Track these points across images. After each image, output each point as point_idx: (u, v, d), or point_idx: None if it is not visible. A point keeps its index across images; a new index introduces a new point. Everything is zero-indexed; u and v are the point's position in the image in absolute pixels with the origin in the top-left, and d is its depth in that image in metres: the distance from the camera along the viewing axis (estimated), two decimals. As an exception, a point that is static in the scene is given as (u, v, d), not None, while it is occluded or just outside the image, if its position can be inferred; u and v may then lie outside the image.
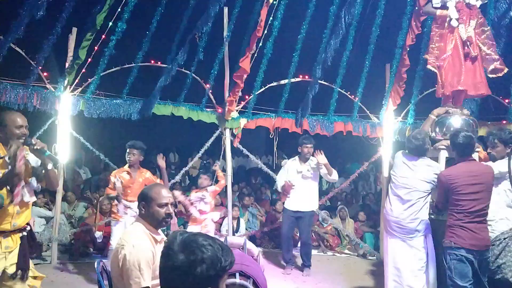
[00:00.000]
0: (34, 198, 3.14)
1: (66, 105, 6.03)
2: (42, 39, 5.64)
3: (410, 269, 4.26)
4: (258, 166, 7.55)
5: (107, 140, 10.21)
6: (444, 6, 4.91)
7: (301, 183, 5.96)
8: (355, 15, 6.49)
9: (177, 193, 5.61)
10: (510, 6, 5.76)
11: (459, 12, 4.79)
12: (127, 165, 5.25)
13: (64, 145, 6.02)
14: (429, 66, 5.00)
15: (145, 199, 2.59)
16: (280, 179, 6.12)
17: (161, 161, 5.40)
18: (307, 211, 5.96)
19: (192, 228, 5.52)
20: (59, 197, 6.24)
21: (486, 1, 5.04)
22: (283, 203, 6.22)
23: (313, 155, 5.96)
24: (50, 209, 6.98)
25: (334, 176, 5.95)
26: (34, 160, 3.12)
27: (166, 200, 2.59)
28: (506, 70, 4.81)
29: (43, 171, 3.13)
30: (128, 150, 5.20)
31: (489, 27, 4.93)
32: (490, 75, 4.84)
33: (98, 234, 6.76)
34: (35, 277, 3.17)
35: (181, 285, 1.47)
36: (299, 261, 6.28)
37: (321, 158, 5.78)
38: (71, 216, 7.32)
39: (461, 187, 3.67)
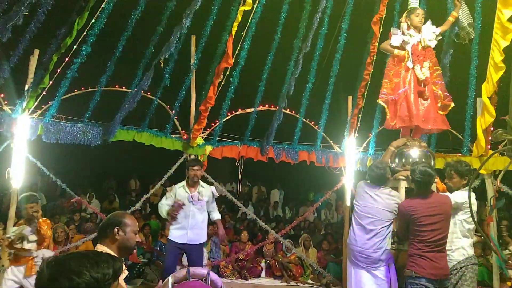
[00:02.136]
0: None
1: (23, 128, 5.79)
2: (0, 59, 5.44)
3: (374, 299, 4.28)
4: (223, 194, 7.47)
5: (64, 165, 9.83)
6: (401, 46, 5.17)
7: (191, 211, 5.20)
8: (317, 49, 6.77)
9: None
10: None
11: (413, 54, 5.05)
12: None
13: (19, 170, 5.73)
14: (379, 100, 5.21)
15: (120, 225, 2.54)
16: (165, 204, 5.24)
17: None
18: (197, 243, 5.24)
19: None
20: (10, 223, 5.88)
21: (440, 38, 5.34)
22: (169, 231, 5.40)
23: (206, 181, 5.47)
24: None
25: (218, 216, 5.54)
26: None
27: (137, 227, 2.64)
28: (452, 105, 5.08)
29: None
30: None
31: (439, 67, 5.23)
32: (440, 112, 5.10)
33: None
34: None
35: None
36: None
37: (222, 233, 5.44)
38: (22, 245, 6.88)
39: (421, 218, 3.77)
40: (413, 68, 5.04)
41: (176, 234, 5.19)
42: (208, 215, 5.40)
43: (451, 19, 5.37)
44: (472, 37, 5.71)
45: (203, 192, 5.28)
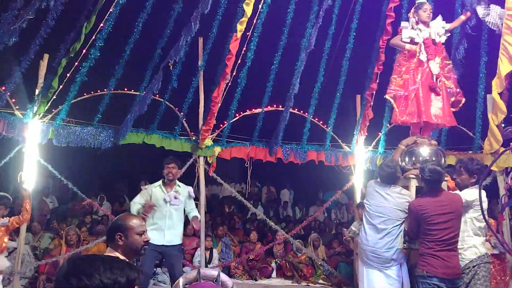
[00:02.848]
0: None
1: (34, 132, 5.86)
2: (11, 64, 5.53)
3: (386, 299, 4.26)
4: (232, 195, 7.49)
5: (76, 168, 9.94)
6: (412, 41, 5.12)
7: (168, 211, 4.99)
8: (326, 48, 6.76)
9: None
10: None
11: (426, 48, 5.00)
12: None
13: (31, 174, 5.81)
14: (386, 96, 5.16)
15: (121, 229, 2.53)
16: (137, 203, 4.93)
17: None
18: (174, 244, 5.01)
19: None
20: (23, 227, 5.97)
21: (449, 34, 5.29)
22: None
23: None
24: (13, 240, 6.65)
25: (196, 213, 5.24)
26: None
27: (144, 228, 2.59)
28: (463, 101, 5.03)
29: None
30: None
31: (450, 61, 5.17)
32: (452, 109, 5.05)
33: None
34: None
35: None
36: None
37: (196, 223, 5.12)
38: (35, 248, 6.99)
39: (431, 217, 3.74)
40: (427, 61, 4.98)
41: (152, 235, 4.66)
42: (187, 216, 5.25)
43: (462, 17, 5.32)
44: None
45: (180, 191, 5.09)
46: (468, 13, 5.33)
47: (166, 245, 4.93)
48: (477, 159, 4.32)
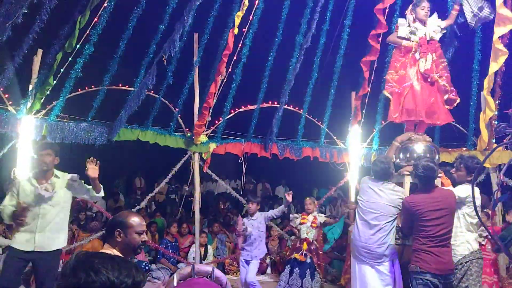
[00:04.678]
0: None
1: (27, 128, 5.82)
2: (4, 59, 5.48)
3: (378, 294, 4.29)
4: (227, 191, 7.49)
5: (70, 165, 9.87)
6: (408, 38, 5.13)
7: (41, 209, 3.98)
8: (320, 45, 6.76)
9: None
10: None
11: (420, 47, 5.01)
12: None
13: (24, 170, 5.77)
14: (384, 92, 5.18)
15: (121, 226, 2.54)
16: (8, 206, 3.99)
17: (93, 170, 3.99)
18: (49, 251, 4.01)
19: None
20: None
21: (445, 31, 5.30)
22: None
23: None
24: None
25: (101, 193, 4.30)
26: None
27: (143, 228, 2.61)
28: (458, 100, 5.05)
29: None
30: None
31: (445, 59, 5.19)
32: (446, 106, 5.07)
33: (60, 262, 6.43)
34: None
35: None
36: None
37: (93, 169, 3.98)
38: (29, 244, 6.95)
39: (425, 213, 3.77)
40: (419, 60, 4.99)
41: (20, 239, 3.93)
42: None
43: (454, 12, 5.33)
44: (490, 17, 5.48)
45: (58, 183, 4.08)
46: (457, 6, 5.32)
47: (37, 252, 3.93)
48: (478, 158, 4.35)
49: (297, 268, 5.56)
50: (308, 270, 5.53)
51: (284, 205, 5.76)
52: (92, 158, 3.99)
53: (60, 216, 4.09)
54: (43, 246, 3.95)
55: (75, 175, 4.23)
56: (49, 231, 3.99)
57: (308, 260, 5.57)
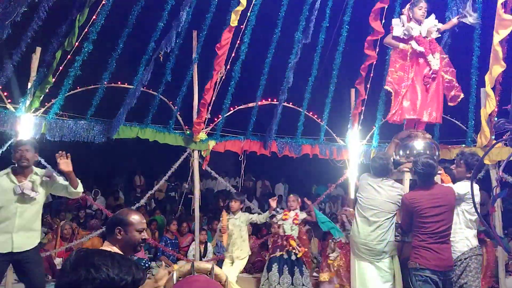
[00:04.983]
0: None
1: (27, 126, 5.81)
2: (2, 57, 5.46)
3: (378, 291, 4.30)
4: (227, 189, 7.49)
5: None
6: (403, 39, 5.12)
7: (18, 207, 3.81)
8: (319, 42, 6.76)
9: None
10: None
11: (421, 44, 4.99)
12: None
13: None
14: (386, 87, 5.18)
15: (122, 224, 2.56)
16: None
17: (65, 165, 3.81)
18: (29, 249, 3.87)
19: None
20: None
21: (439, 35, 5.31)
22: None
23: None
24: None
25: (79, 189, 4.05)
26: None
27: (143, 225, 2.62)
28: (462, 96, 5.05)
29: None
30: None
31: (446, 55, 5.18)
32: (450, 103, 5.07)
33: (58, 260, 6.45)
34: None
35: None
36: None
37: (64, 163, 3.82)
38: (29, 242, 6.96)
39: (424, 210, 3.77)
40: (424, 57, 4.96)
41: None
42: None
43: (454, 20, 5.32)
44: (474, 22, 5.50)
45: (38, 181, 3.94)
46: (458, 17, 5.33)
47: (17, 252, 3.78)
48: (478, 155, 4.34)
49: (285, 266, 5.49)
50: (296, 267, 5.47)
51: (269, 211, 5.66)
52: (61, 151, 3.83)
53: (37, 213, 3.96)
54: (21, 246, 3.79)
55: (49, 170, 4.12)
56: (26, 230, 3.83)
57: (294, 257, 5.50)
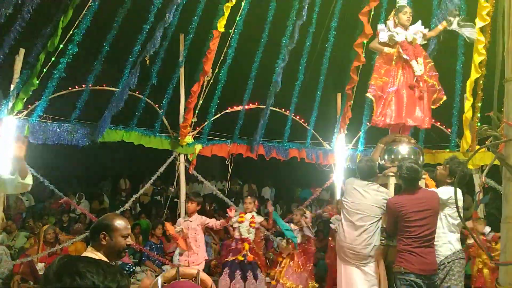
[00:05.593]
0: None
1: (9, 128, 5.70)
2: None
3: (363, 295, 4.31)
4: (213, 193, 7.46)
5: (53, 166, 9.73)
6: (389, 43, 5.16)
7: None
8: (306, 47, 6.79)
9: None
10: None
11: (405, 50, 5.03)
12: None
13: (6, 171, 5.64)
14: (367, 94, 5.20)
15: (107, 229, 2.52)
16: None
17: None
18: None
19: None
20: (-2, 225, 5.79)
21: (425, 42, 5.36)
22: None
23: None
24: None
25: (28, 180, 3.42)
26: None
27: (128, 231, 2.60)
28: (444, 98, 5.11)
29: None
30: None
31: (430, 60, 5.24)
32: (432, 106, 5.12)
33: (40, 265, 6.32)
34: None
35: None
36: None
37: (18, 147, 3.26)
38: (10, 247, 6.81)
39: (409, 214, 3.80)
40: (409, 62, 4.99)
41: None
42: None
43: (440, 27, 5.35)
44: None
45: None
46: (445, 23, 5.35)
47: None
48: (460, 161, 4.37)
49: (238, 271, 5.34)
50: (250, 271, 5.35)
51: (226, 220, 5.48)
52: (19, 134, 3.48)
53: None
54: None
55: None
56: None
57: (246, 261, 5.36)
